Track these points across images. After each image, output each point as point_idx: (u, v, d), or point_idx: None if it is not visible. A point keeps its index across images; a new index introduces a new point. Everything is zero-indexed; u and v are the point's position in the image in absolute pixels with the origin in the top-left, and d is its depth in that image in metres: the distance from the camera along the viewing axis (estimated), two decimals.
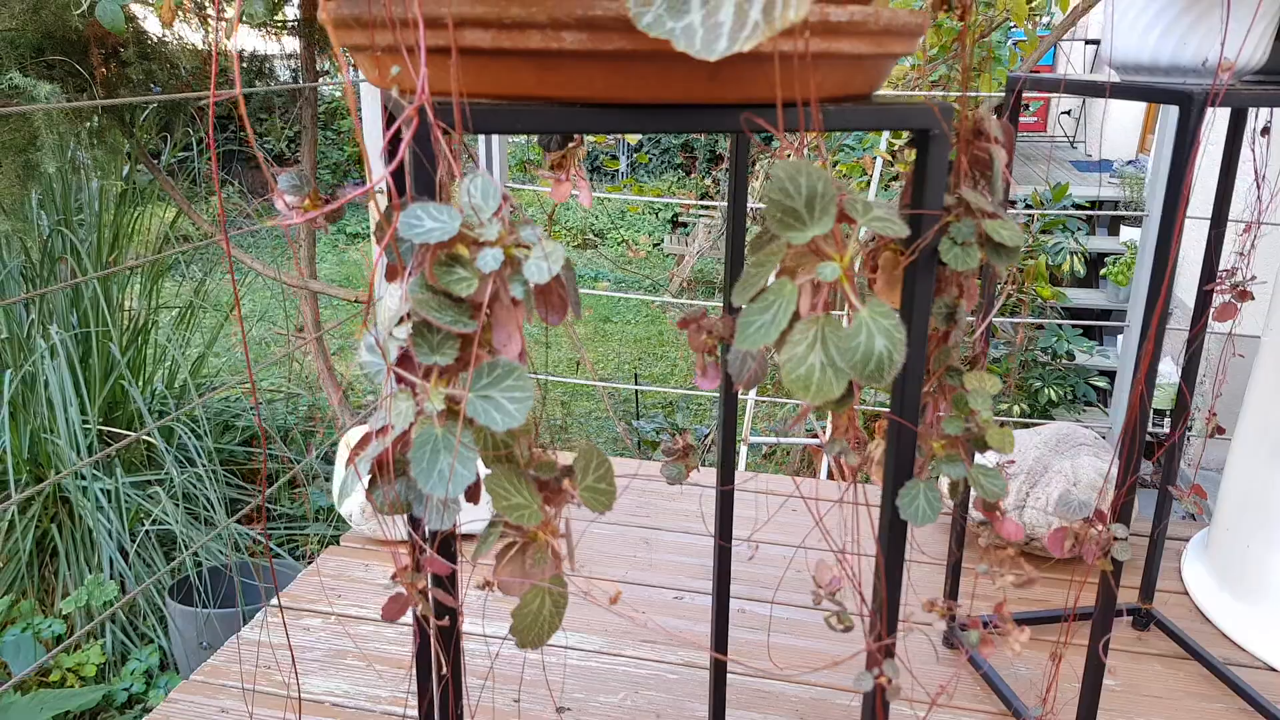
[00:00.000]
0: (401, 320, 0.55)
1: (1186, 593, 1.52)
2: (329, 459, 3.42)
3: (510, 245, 0.53)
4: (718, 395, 0.97)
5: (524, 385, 0.53)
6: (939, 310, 0.72)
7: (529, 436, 0.56)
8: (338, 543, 1.66)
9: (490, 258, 0.52)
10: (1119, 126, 6.07)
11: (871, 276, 0.74)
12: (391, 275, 0.62)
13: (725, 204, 0.96)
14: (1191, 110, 0.93)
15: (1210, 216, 1.34)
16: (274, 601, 1.52)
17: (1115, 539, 1.02)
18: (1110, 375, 4.04)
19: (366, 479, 0.58)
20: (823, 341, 0.56)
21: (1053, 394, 3.78)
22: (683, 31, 0.48)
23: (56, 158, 2.43)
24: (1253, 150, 1.24)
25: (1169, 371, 3.26)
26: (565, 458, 0.61)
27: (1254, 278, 1.25)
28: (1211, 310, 1.31)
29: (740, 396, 2.95)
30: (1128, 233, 4.35)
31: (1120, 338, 4.13)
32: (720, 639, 1.18)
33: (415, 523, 0.64)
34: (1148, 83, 1.00)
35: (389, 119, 0.81)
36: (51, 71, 2.42)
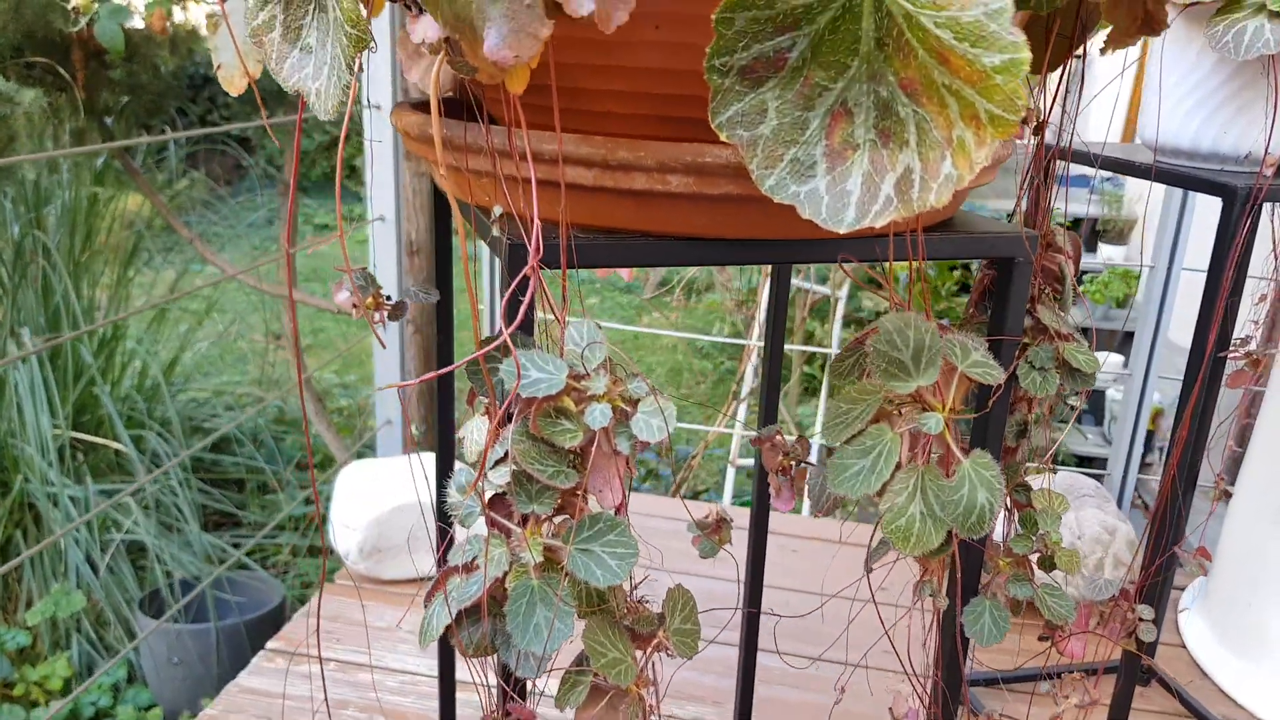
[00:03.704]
0: (497, 463, 0.53)
1: (1184, 645, 1.54)
2: (301, 466, 3.38)
3: (617, 399, 0.51)
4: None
5: (626, 541, 0.51)
6: (1010, 428, 0.72)
7: (624, 589, 0.55)
8: (313, 554, 1.62)
9: (599, 414, 0.50)
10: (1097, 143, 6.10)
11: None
12: (470, 399, 0.61)
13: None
14: (1235, 204, 0.94)
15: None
16: (270, 647, 1.49)
17: (1141, 620, 1.02)
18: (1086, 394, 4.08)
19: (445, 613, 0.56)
20: (922, 491, 0.55)
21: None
22: (807, 197, 0.47)
23: (35, 161, 2.36)
24: (1273, 222, 1.24)
25: (1159, 399, 3.29)
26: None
27: (1270, 350, 1.26)
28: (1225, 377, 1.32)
29: (733, 418, 2.94)
30: (1106, 250, 4.39)
31: (1101, 355, 4.16)
32: None
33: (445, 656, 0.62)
34: (1190, 170, 1.00)
35: (437, 197, 0.79)
36: (31, 72, 2.35)
